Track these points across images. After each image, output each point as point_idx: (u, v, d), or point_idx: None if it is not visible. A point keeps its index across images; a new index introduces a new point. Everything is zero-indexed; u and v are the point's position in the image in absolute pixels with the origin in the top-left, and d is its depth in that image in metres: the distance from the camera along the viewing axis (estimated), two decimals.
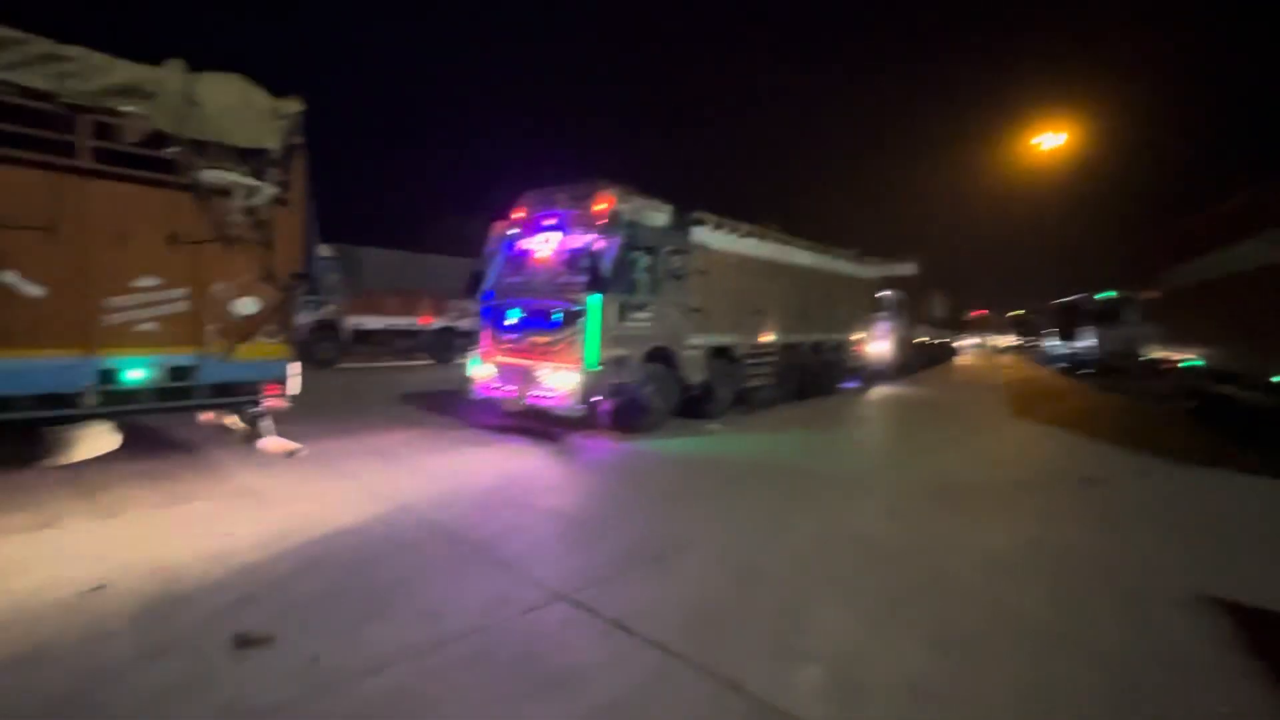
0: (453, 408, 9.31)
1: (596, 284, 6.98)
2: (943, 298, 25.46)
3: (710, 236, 9.04)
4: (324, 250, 14.79)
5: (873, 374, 15.84)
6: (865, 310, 14.64)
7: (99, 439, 4.22)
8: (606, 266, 7.11)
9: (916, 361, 20.91)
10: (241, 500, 4.75)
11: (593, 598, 3.35)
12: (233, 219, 4.14)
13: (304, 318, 14.40)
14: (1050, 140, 31.89)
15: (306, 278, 4.55)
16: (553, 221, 8.01)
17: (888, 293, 17.64)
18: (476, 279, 8.58)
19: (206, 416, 5.32)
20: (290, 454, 4.68)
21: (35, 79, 3.35)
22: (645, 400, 7.91)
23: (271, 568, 3.60)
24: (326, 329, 14.94)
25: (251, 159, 4.16)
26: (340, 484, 5.29)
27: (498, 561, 3.82)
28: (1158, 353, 13.67)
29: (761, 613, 3.29)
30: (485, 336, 8.23)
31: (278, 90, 4.28)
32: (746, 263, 9.87)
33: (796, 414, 10.57)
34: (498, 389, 7.99)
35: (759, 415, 10.13)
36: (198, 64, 3.87)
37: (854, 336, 14.05)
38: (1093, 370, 21.08)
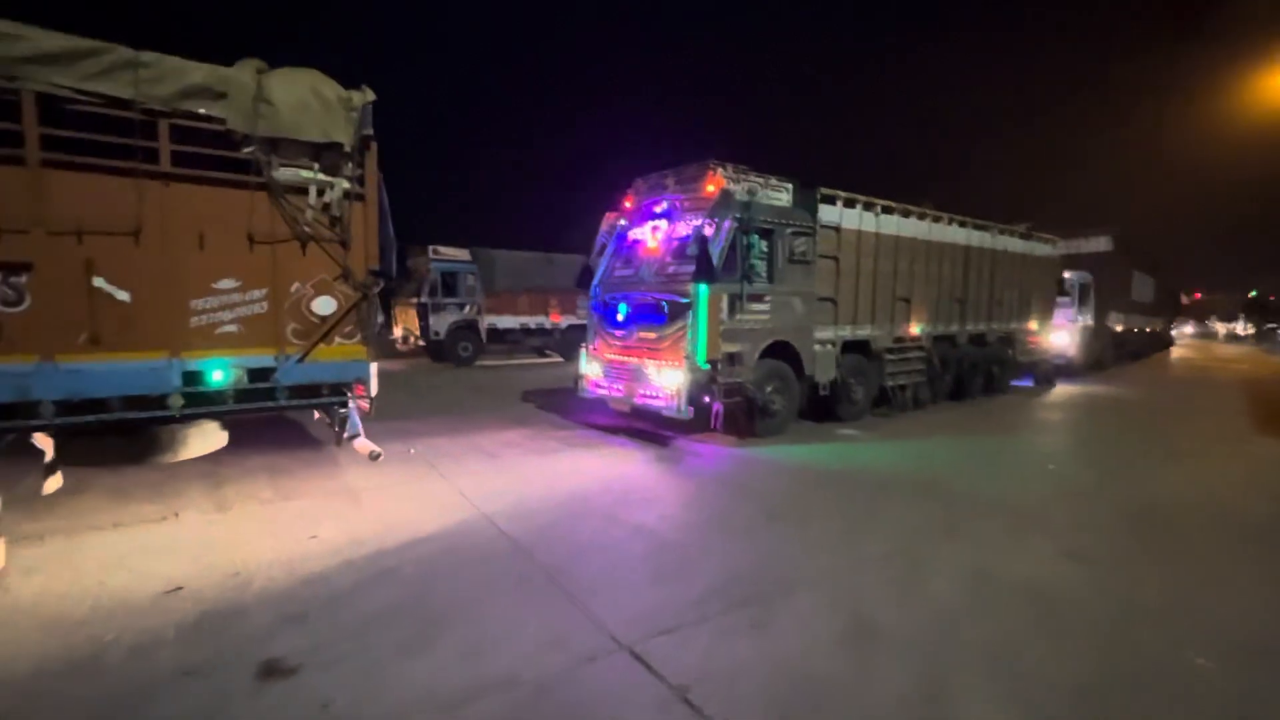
0: (566, 406, 9.15)
1: (704, 273, 6.31)
2: (1149, 278, 21.28)
3: (841, 215, 7.95)
4: (461, 254, 15.73)
5: (1052, 370, 13.43)
6: (1042, 295, 12.38)
7: (208, 436, 4.43)
8: (715, 253, 6.42)
9: (1112, 355, 17.61)
10: (338, 500, 4.79)
11: (660, 651, 2.75)
12: (308, 217, 4.11)
13: (446, 318, 15.38)
14: None
15: (383, 275, 4.43)
16: (662, 208, 7.48)
17: (1072, 274, 14.95)
18: (587, 273, 8.30)
19: (318, 415, 5.49)
20: (374, 457, 4.60)
21: (114, 86, 3.49)
22: (764, 401, 7.10)
23: (335, 580, 3.44)
24: (466, 328, 15.75)
25: (324, 154, 4.10)
26: (434, 487, 5.20)
27: (565, 591, 3.36)
28: None
29: (878, 696, 2.48)
30: (595, 333, 7.92)
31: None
32: (886, 243, 8.59)
33: (950, 418, 9.07)
34: (606, 388, 7.64)
35: (903, 419, 8.81)
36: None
37: (1027, 326, 11.94)
38: None
